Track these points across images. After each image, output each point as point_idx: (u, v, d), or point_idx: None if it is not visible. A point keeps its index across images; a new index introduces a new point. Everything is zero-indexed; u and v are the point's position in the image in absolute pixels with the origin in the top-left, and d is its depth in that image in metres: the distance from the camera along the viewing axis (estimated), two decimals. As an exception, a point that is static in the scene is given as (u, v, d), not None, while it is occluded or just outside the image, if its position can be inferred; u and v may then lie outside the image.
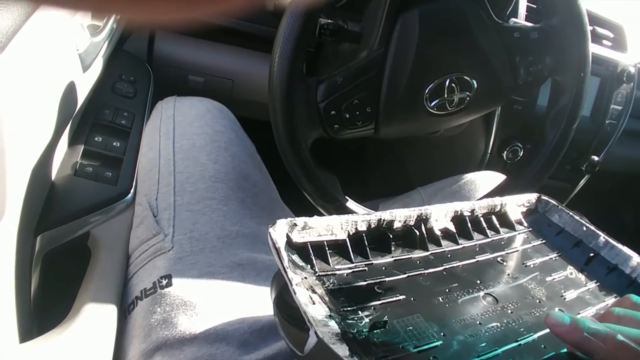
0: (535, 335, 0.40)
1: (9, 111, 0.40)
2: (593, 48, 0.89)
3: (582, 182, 0.99)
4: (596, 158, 0.95)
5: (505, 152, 0.95)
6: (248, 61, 0.87)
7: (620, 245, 0.51)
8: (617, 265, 0.51)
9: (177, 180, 0.63)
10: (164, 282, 0.55)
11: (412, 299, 0.41)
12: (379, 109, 0.63)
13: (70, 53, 0.57)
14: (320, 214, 0.65)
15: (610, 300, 0.48)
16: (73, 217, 0.56)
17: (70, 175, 0.59)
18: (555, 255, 0.54)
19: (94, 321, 0.53)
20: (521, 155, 0.95)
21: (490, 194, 0.75)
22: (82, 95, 0.61)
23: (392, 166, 1.19)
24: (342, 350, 0.31)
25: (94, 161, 0.62)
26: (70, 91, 0.56)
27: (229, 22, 0.82)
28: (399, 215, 0.47)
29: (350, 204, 0.66)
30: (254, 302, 0.56)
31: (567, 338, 0.34)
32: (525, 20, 0.84)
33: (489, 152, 0.95)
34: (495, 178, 0.85)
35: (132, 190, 0.63)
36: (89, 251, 0.58)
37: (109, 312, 0.55)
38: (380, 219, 0.46)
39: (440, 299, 0.42)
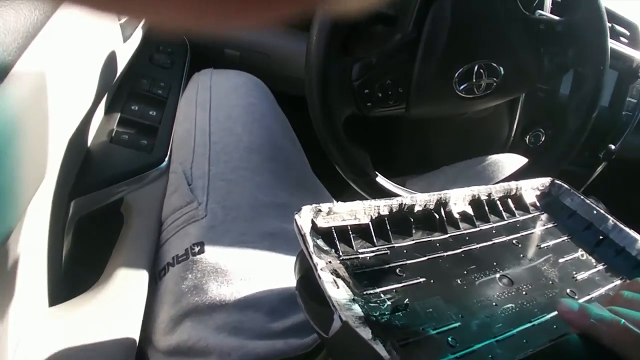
0: (548, 316, 0.38)
1: (52, 79, 0.37)
2: (612, 44, 0.87)
3: (600, 168, 0.97)
4: (613, 147, 0.93)
5: (527, 137, 0.94)
6: (284, 36, 0.82)
7: (627, 229, 0.50)
8: (625, 248, 0.50)
9: (212, 150, 0.59)
10: (197, 249, 0.52)
11: (431, 281, 0.39)
12: (410, 90, 0.61)
13: (112, 23, 0.53)
14: (351, 188, 0.63)
15: (618, 281, 0.46)
16: (107, 183, 0.53)
17: (106, 142, 0.55)
18: (567, 237, 0.52)
19: (124, 286, 0.50)
20: (543, 140, 0.94)
21: (512, 176, 0.73)
22: (121, 65, 0.57)
23: (421, 145, 1.18)
24: (365, 333, 0.30)
25: (129, 129, 0.58)
26: (111, 61, 0.53)
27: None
28: (420, 200, 0.45)
29: (380, 179, 0.64)
30: (284, 271, 0.53)
31: (576, 324, 0.34)
32: (550, 12, 0.81)
33: (513, 135, 0.94)
34: (517, 161, 0.81)
35: (166, 159, 0.60)
36: (122, 217, 0.55)
37: (140, 277, 0.52)
38: (402, 203, 0.44)
39: (459, 281, 0.40)
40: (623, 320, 0.32)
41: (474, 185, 0.67)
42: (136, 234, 0.54)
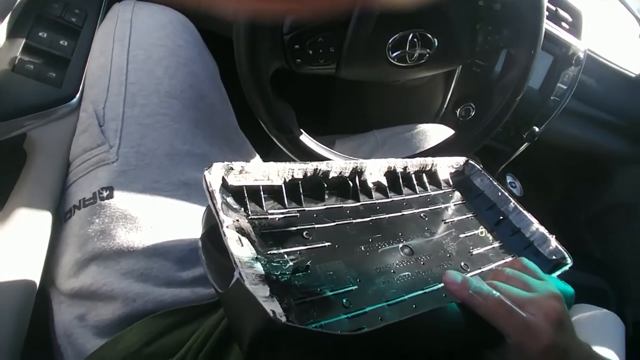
0: (439, 285, 0.42)
1: None
2: (552, 28, 0.91)
3: (522, 148, 1.03)
4: (537, 129, 0.98)
5: (458, 110, 0.96)
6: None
7: (525, 212, 0.55)
8: (520, 229, 0.55)
9: (128, 91, 0.57)
10: (105, 193, 0.51)
11: (336, 246, 0.42)
12: (342, 51, 0.61)
13: None
14: (276, 145, 0.63)
15: (509, 259, 0.51)
16: (8, 116, 0.50)
17: (8, 71, 0.51)
18: (471, 215, 0.56)
19: (25, 225, 0.49)
20: (472, 115, 0.96)
21: (437, 147, 0.76)
22: (26, -17, 0.52)
23: (353, 107, 1.18)
24: (262, 291, 0.31)
25: (36, 58, 0.54)
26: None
27: None
28: (335, 167, 0.47)
29: (304, 137, 0.64)
30: (196, 221, 0.53)
31: (457, 294, 0.37)
32: None
33: (445, 107, 0.96)
34: (445, 132, 0.85)
35: (77, 95, 0.56)
36: (24, 154, 0.52)
37: (42, 218, 0.51)
38: (317, 168, 0.45)
39: (363, 248, 0.43)
40: (498, 294, 0.37)
41: (400, 151, 0.70)
42: (40, 172, 0.52)
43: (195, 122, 0.60)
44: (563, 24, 0.95)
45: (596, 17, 1.12)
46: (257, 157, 0.71)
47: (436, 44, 0.64)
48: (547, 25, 0.87)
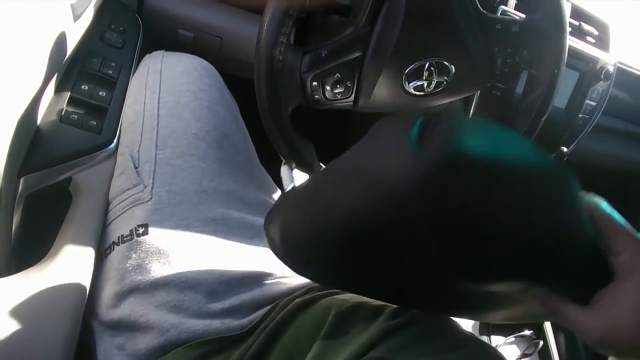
0: None
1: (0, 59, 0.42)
2: (576, 44, 0.91)
3: None
4: (565, 149, 0.96)
5: None
6: (239, 20, 0.86)
7: None
8: None
9: (159, 135, 0.65)
10: (141, 230, 0.58)
11: None
12: (359, 85, 0.64)
13: (62, 3, 0.58)
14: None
15: None
16: (56, 162, 0.58)
17: (56, 122, 0.60)
18: None
19: (71, 262, 0.56)
20: None
21: None
22: (71, 45, 0.62)
23: None
24: None
25: (79, 109, 0.63)
26: (60, 41, 0.57)
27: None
28: None
29: None
30: (224, 255, 0.59)
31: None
32: (515, 9, 0.83)
33: None
34: None
35: (115, 140, 0.65)
36: (70, 196, 0.60)
37: (86, 254, 0.58)
38: None
39: None
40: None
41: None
42: (84, 212, 0.60)
43: (220, 161, 0.67)
44: (588, 38, 0.95)
45: (628, 27, 1.11)
46: (278, 191, 0.78)
47: (453, 70, 0.66)
48: (571, 41, 0.86)
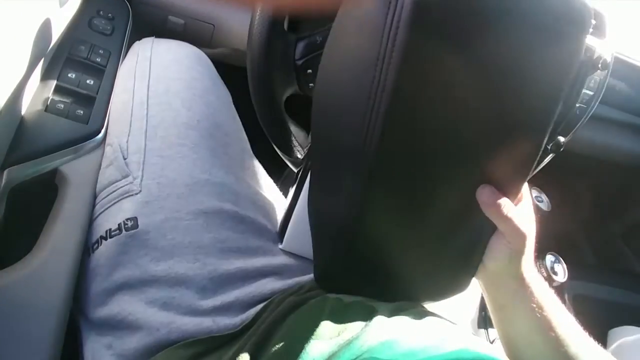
0: None
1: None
2: None
3: (547, 160, 1.02)
4: (562, 139, 0.97)
5: None
6: (231, 6, 0.85)
7: None
8: None
9: (149, 125, 0.64)
10: (130, 224, 0.57)
11: None
12: None
13: (47, -14, 0.56)
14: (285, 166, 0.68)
15: None
16: (41, 153, 0.57)
17: (41, 111, 0.59)
18: None
19: (57, 257, 0.55)
20: None
21: None
22: (57, 31, 0.60)
23: None
24: None
25: (65, 98, 0.62)
26: (46, 27, 0.56)
27: (214, -35, 0.81)
28: None
29: None
30: (216, 250, 0.58)
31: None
32: None
33: None
34: None
35: (103, 130, 0.64)
36: (56, 188, 0.59)
37: (73, 249, 0.57)
38: None
39: None
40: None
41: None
42: (70, 205, 0.58)
43: (212, 151, 0.65)
44: None
45: (624, 16, 1.13)
46: (271, 184, 0.77)
47: None
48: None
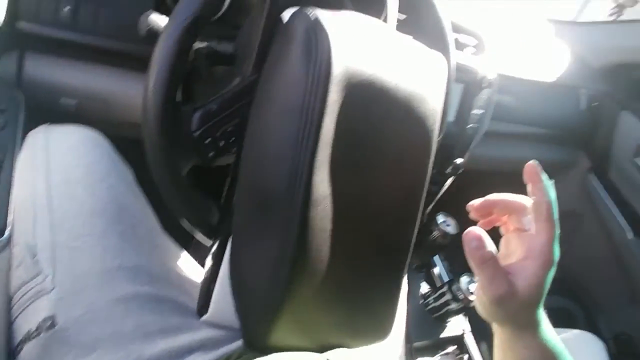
0: None
1: None
2: (457, 56, 0.94)
3: (448, 183, 1.05)
4: (459, 161, 1.01)
5: None
6: (124, 81, 0.86)
7: None
8: None
9: (54, 218, 0.64)
10: (48, 323, 0.58)
11: None
12: None
13: None
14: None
15: None
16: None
17: None
18: None
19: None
20: None
21: None
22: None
23: None
24: None
25: (-37, 202, 0.62)
26: None
27: (102, 42, 0.82)
28: None
29: None
30: (139, 335, 0.60)
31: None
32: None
33: None
34: None
35: (7, 230, 0.64)
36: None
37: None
38: None
39: None
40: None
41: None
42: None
43: (120, 236, 0.66)
44: (466, 49, 1.02)
45: (505, 34, 1.22)
46: (185, 257, 0.79)
47: None
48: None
